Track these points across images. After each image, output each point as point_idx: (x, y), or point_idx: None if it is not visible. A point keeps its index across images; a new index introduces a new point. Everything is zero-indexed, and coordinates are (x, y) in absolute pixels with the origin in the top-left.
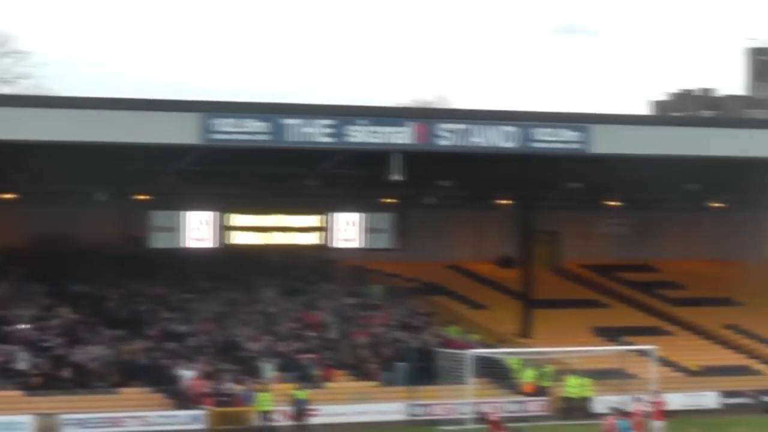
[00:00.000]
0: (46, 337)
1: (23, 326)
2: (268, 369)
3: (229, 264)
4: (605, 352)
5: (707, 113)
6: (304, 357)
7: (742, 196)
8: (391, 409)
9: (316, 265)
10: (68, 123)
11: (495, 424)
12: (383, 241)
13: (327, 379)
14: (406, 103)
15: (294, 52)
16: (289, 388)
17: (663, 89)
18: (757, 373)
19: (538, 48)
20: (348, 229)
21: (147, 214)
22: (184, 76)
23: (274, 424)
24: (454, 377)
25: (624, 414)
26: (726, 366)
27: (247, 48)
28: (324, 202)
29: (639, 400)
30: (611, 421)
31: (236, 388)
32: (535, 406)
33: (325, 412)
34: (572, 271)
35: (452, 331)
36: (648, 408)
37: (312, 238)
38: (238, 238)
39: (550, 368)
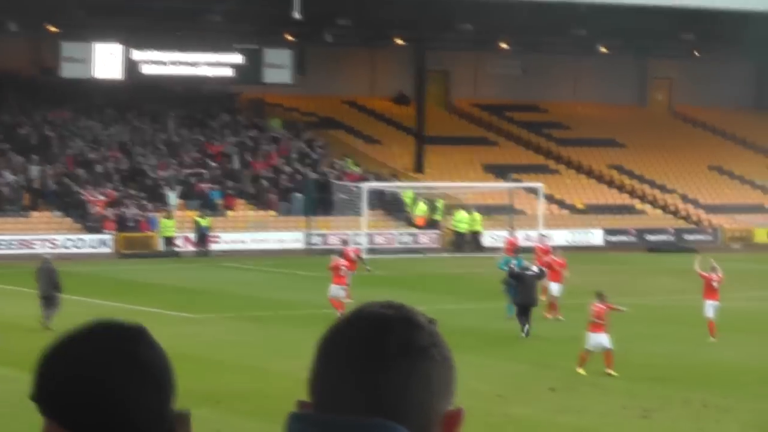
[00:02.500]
0: None
1: None
2: (172, 196)
3: (136, 94)
4: (494, 188)
5: None
6: (206, 186)
7: (628, 42)
8: (290, 237)
9: (218, 97)
10: None
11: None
12: (283, 77)
13: (228, 207)
14: None
15: None
16: (192, 216)
17: None
18: (640, 213)
19: None
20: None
21: (58, 45)
22: None
23: (176, 249)
24: (350, 209)
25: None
26: (610, 205)
27: None
28: (227, 37)
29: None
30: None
31: (141, 214)
32: (426, 239)
33: (225, 240)
34: (463, 109)
35: (349, 165)
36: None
37: (215, 72)
38: (144, 70)
39: (441, 202)
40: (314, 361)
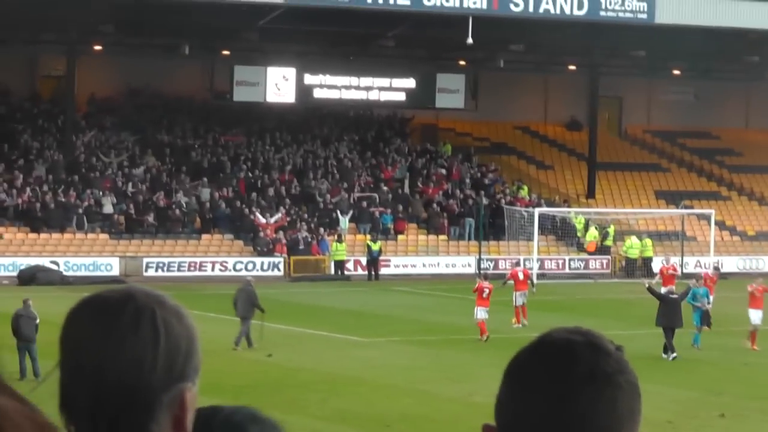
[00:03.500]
0: (133, 184)
1: (110, 172)
2: (344, 220)
3: (308, 119)
4: (666, 214)
5: None
6: (378, 210)
7: None
8: (460, 262)
9: (390, 122)
10: None
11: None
12: (456, 102)
13: (399, 232)
14: None
15: None
16: (363, 240)
17: None
18: None
19: None
20: (420, 89)
21: (231, 69)
22: None
23: (347, 273)
24: (521, 234)
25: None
26: None
27: None
28: (399, 62)
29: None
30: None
31: (312, 237)
32: (597, 264)
33: (396, 263)
34: (635, 135)
35: (521, 191)
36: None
37: (387, 97)
38: (316, 95)
39: (612, 228)
40: (502, 385)
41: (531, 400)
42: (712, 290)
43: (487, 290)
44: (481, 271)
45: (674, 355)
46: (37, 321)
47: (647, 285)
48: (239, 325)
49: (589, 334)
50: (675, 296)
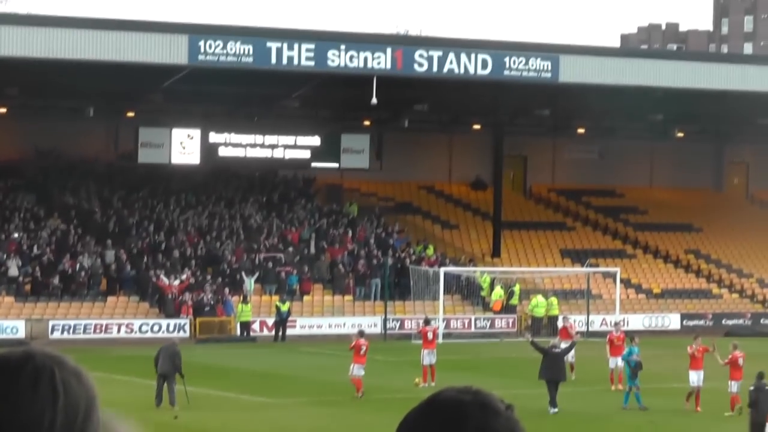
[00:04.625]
0: (37, 246)
1: (15, 235)
2: (249, 281)
3: (213, 179)
4: (572, 272)
5: (672, 46)
6: (283, 270)
7: (704, 127)
8: (367, 322)
9: (295, 182)
10: (62, 41)
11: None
12: (361, 161)
13: (305, 292)
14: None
15: None
16: (268, 300)
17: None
18: (717, 297)
19: None
20: (325, 149)
21: (135, 131)
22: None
23: (253, 334)
24: (427, 294)
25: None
26: (687, 289)
27: None
28: (304, 122)
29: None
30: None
31: (217, 298)
32: (503, 323)
33: (302, 324)
34: (540, 194)
35: (426, 251)
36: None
37: (292, 155)
38: (221, 153)
39: (518, 287)
40: None
41: None
42: (622, 349)
43: (363, 347)
44: (358, 329)
45: (555, 410)
46: None
47: (530, 339)
48: (154, 382)
49: (479, 394)
50: (558, 350)
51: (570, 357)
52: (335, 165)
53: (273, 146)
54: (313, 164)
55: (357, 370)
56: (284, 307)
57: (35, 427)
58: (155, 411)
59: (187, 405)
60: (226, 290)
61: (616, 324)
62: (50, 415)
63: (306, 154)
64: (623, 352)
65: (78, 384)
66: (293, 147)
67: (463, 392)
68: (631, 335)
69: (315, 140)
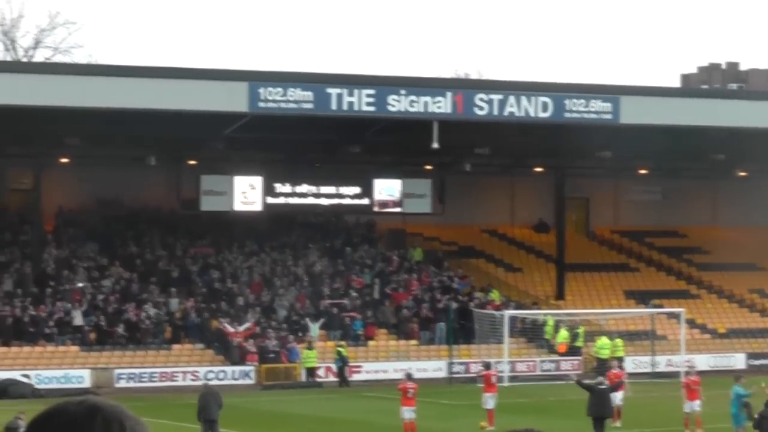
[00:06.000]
0: (101, 295)
1: (80, 284)
2: (314, 327)
3: (275, 226)
4: (636, 314)
5: (733, 86)
6: (348, 316)
7: (766, 165)
8: (432, 366)
9: (358, 228)
10: (123, 91)
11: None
12: (423, 206)
13: (369, 337)
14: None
15: (336, 24)
16: (333, 346)
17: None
18: None
19: (569, 20)
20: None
21: (197, 178)
22: (233, 46)
23: (318, 380)
24: (492, 337)
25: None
26: (752, 328)
27: (290, 21)
28: (366, 169)
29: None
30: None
31: (282, 345)
32: (568, 365)
33: (367, 369)
34: (604, 236)
35: (491, 294)
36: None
37: (355, 203)
38: (283, 202)
39: (582, 329)
40: None
41: None
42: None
43: (411, 390)
44: (406, 372)
45: None
46: None
47: (575, 379)
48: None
49: None
50: (604, 387)
51: (618, 399)
52: (398, 210)
53: (335, 195)
54: (376, 209)
55: (407, 413)
56: (345, 352)
57: None
58: None
59: None
60: (290, 337)
61: (690, 368)
62: None
63: (367, 201)
64: (699, 396)
65: None
66: (355, 196)
67: None
68: (737, 375)
69: (377, 187)
